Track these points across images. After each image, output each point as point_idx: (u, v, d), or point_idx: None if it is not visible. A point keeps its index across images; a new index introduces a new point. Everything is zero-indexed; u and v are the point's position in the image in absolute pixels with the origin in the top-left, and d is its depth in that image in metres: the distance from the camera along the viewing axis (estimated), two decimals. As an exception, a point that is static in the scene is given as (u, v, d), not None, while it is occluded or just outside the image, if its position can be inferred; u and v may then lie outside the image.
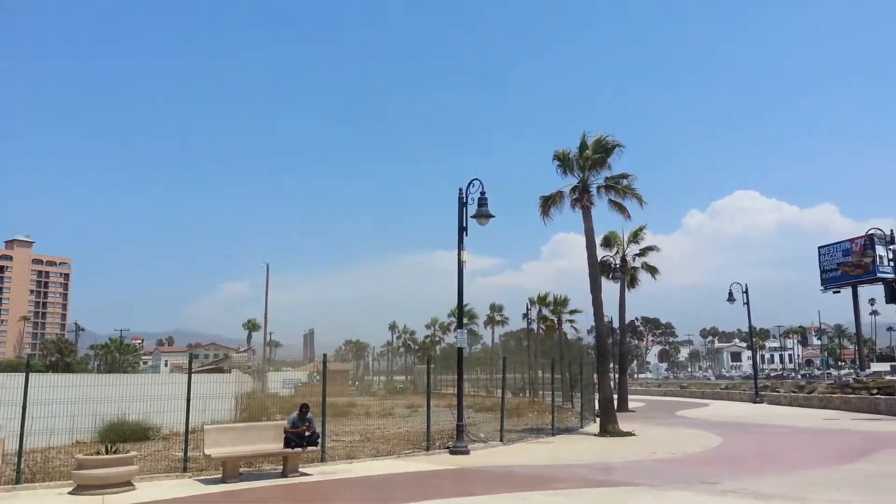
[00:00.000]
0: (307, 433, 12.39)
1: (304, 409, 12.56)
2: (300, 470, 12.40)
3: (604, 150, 22.26)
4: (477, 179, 16.62)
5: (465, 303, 17.79)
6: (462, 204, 16.74)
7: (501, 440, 17.51)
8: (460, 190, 16.82)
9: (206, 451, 11.68)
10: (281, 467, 12.36)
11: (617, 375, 36.99)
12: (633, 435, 19.44)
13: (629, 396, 36.48)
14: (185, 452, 12.66)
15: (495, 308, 71.74)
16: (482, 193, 16.53)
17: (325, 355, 16.32)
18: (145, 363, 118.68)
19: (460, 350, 17.35)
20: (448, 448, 15.45)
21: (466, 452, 15.11)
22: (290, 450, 12.21)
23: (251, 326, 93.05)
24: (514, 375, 49.75)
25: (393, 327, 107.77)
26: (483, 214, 16.52)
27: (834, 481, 11.04)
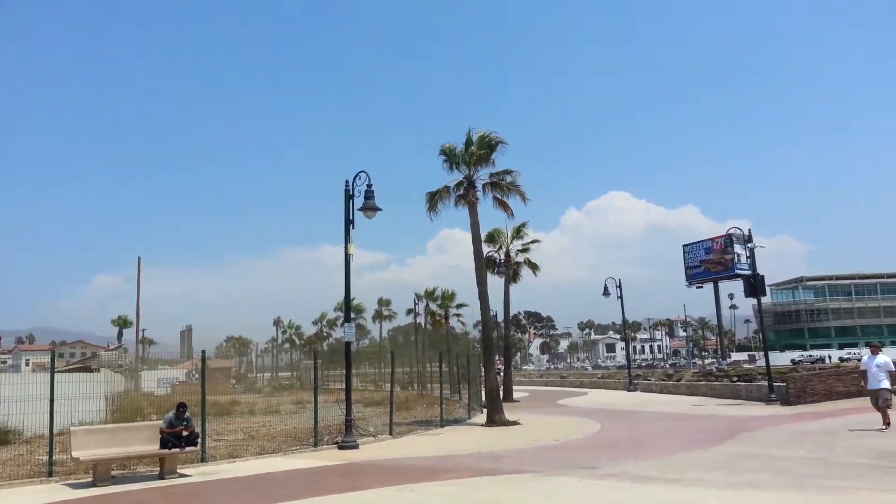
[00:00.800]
0: (185, 433, 11.80)
1: (181, 407, 11.96)
2: (178, 471, 11.78)
3: (488, 146, 22.63)
4: (363, 172, 16.46)
5: (352, 297, 17.55)
6: (348, 196, 16.52)
7: (391, 433, 17.46)
8: (346, 182, 16.59)
9: (74, 454, 10.87)
10: (158, 469, 11.69)
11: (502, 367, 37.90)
12: (519, 424, 19.97)
13: (514, 387, 37.52)
14: (50, 456, 11.74)
15: (383, 302, 71.58)
16: (369, 186, 16.38)
17: (203, 351, 15.60)
18: (4, 363, 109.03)
19: (348, 344, 17.13)
20: (337, 443, 15.21)
21: (355, 447, 14.94)
22: (166, 451, 11.57)
23: (122, 323, 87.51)
24: (402, 369, 49.85)
25: (278, 323, 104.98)
26: (370, 207, 16.37)
27: (704, 463, 11.79)
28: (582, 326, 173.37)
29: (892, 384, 14.61)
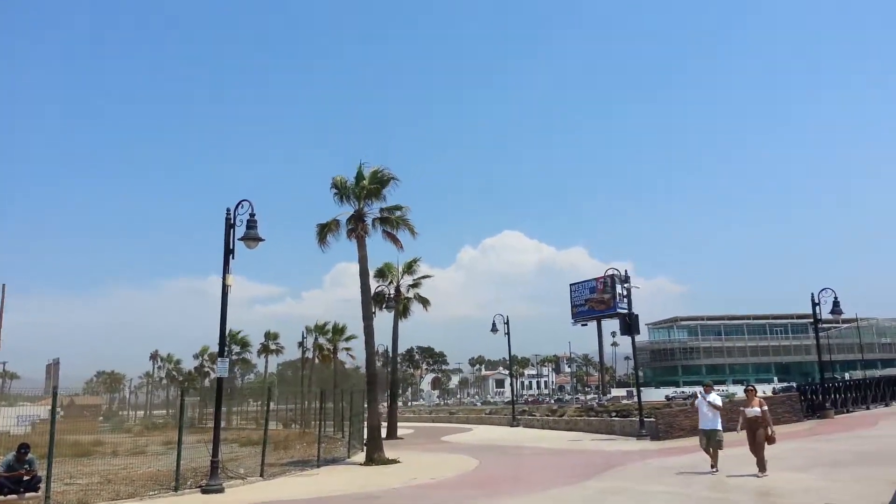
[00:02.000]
0: (26, 477, 10.77)
1: (22, 449, 10.95)
2: (14, 521, 10.69)
3: (379, 181, 22.76)
4: (246, 200, 16.06)
5: (238, 331, 16.89)
6: (230, 226, 16.02)
7: (262, 475, 16.70)
8: (228, 210, 16.09)
9: None
10: (-11, 520, 10.56)
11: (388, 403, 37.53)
12: (398, 462, 19.68)
13: (400, 424, 37.16)
14: None
15: (270, 336, 69.22)
16: (252, 215, 15.98)
17: (55, 387, 14.46)
18: None
19: (220, 380, 16.33)
20: (201, 487, 14.35)
21: (220, 490, 14.14)
22: (2, 497, 10.49)
23: (-22, 355, 79.88)
24: (286, 406, 48.27)
25: (155, 357, 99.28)
26: (251, 237, 15.93)
27: (574, 499, 12.01)
28: (473, 362, 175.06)
29: (723, 422, 14.40)
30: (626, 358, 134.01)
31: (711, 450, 14.16)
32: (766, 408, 13.61)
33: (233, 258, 15.91)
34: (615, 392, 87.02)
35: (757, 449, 13.29)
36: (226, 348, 16.69)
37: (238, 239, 15.87)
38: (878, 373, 68.83)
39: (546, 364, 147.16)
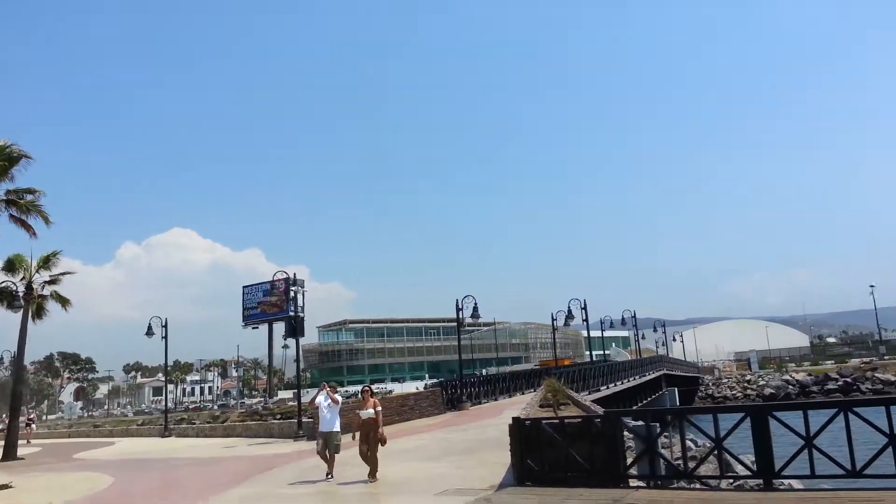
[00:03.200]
0: None
1: None
2: None
3: (7, 158, 19.50)
4: None
5: None
6: None
7: None
8: None
9: None
10: None
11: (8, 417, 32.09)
12: (10, 487, 16.76)
13: (29, 440, 32.17)
14: None
15: None
16: None
17: None
18: None
19: None
20: None
21: None
22: None
23: None
24: None
25: None
26: None
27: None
28: (128, 369, 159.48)
29: (342, 423, 13.91)
30: (295, 360, 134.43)
31: (329, 454, 13.59)
32: (379, 408, 13.12)
33: None
34: (283, 394, 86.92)
35: (370, 452, 12.83)
36: None
37: None
38: (508, 369, 79.87)
39: (212, 369, 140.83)
